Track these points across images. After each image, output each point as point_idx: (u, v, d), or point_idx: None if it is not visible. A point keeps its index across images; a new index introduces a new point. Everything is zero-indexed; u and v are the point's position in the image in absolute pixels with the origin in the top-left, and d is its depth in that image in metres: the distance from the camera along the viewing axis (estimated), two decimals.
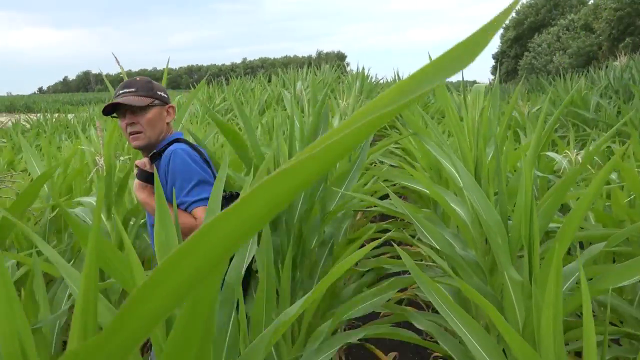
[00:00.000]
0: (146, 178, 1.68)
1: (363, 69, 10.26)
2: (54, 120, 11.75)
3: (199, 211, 1.62)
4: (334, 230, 2.09)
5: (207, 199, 1.52)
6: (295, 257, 1.91)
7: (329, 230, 2.07)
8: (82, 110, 17.28)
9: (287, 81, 10.13)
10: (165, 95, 1.75)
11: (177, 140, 1.71)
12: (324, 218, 1.99)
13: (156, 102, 1.70)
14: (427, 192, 2.24)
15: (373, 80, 11.00)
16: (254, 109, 7.38)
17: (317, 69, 11.96)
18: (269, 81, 11.49)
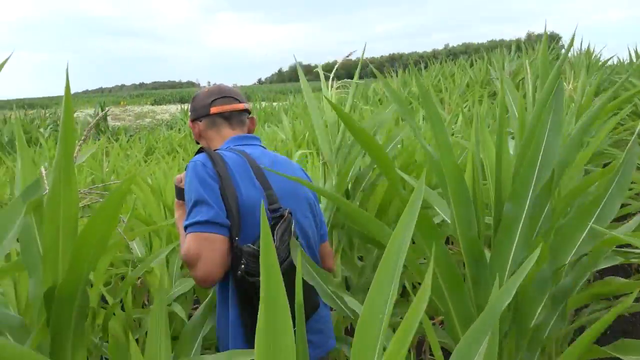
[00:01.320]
0: (180, 195, 1.46)
1: (588, 47, 8.55)
2: (260, 108, 12.47)
3: (189, 239, 1.30)
4: (571, 280, 1.26)
5: (199, 223, 1.30)
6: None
7: (564, 281, 1.25)
8: (282, 99, 18.28)
9: (494, 62, 8.94)
10: (190, 113, 1.66)
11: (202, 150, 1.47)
12: (557, 270, 1.19)
13: (192, 123, 1.66)
14: None
15: (601, 59, 9.14)
16: (453, 94, 6.56)
17: (527, 52, 10.39)
18: (471, 66, 10.38)
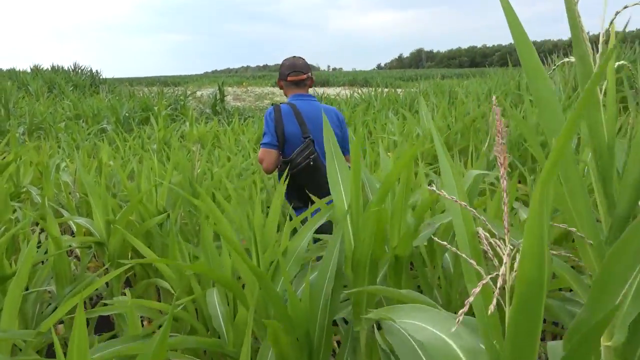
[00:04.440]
0: None
1: None
2: (384, 94, 11.33)
3: (260, 150, 2.74)
4: None
5: (263, 143, 2.72)
6: None
7: None
8: (410, 85, 16.93)
9: None
10: (279, 75, 2.96)
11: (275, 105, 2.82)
12: None
13: (279, 81, 2.98)
14: None
15: None
16: None
17: None
18: None
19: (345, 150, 2.50)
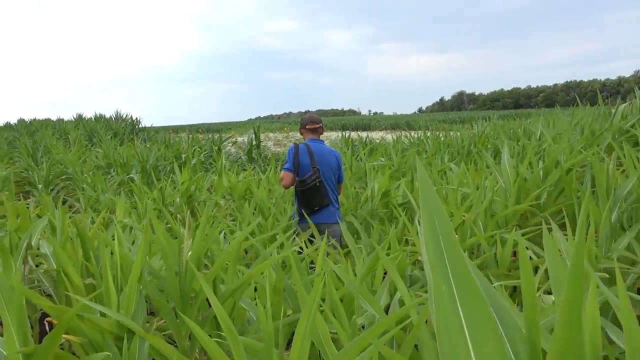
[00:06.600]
0: None
1: None
2: (435, 137, 10.29)
3: (282, 172, 4.13)
4: None
5: (284, 168, 4.11)
6: None
7: None
8: (455, 128, 15.84)
9: None
10: (300, 124, 4.47)
11: (296, 144, 4.19)
12: None
13: (300, 128, 4.47)
14: None
15: None
16: None
17: None
18: None
19: (340, 179, 4.36)
